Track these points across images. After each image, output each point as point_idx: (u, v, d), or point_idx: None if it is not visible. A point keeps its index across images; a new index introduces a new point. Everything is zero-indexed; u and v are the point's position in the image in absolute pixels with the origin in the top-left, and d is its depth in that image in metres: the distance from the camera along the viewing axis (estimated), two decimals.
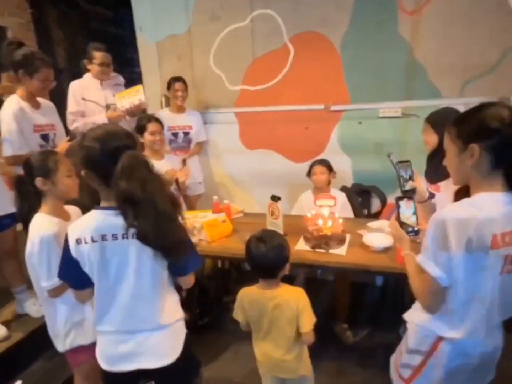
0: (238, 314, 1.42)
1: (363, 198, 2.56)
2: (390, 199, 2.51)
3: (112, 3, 4.26)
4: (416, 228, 1.25)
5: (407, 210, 1.26)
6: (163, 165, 2.19)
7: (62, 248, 1.07)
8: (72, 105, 2.42)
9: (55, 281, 1.23)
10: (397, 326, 1.80)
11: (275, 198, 1.90)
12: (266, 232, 1.42)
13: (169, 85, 2.67)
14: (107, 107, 2.46)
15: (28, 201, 1.34)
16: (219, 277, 2.69)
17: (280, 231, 1.93)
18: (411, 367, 1.08)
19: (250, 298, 1.38)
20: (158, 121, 2.27)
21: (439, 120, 1.77)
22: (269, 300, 1.33)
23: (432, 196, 1.51)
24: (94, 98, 2.45)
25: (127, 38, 4.24)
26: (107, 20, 4.42)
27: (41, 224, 1.29)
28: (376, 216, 2.52)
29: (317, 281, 2.65)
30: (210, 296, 2.57)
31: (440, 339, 1.01)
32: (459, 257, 0.89)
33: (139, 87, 2.37)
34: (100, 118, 2.37)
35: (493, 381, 1.08)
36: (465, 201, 0.94)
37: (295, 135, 2.78)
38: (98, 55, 2.39)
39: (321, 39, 2.53)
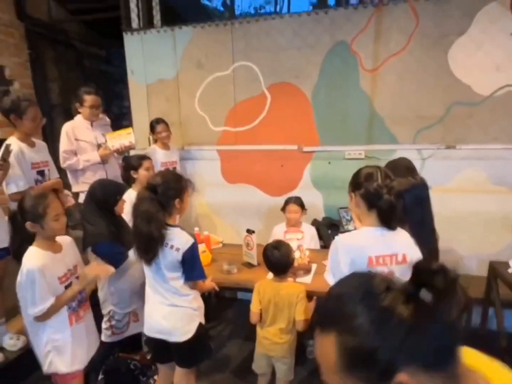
0: (255, 304, 1.82)
1: (332, 230, 2.81)
2: None
3: (104, 43, 4.60)
4: None
5: None
6: None
7: (47, 279, 1.28)
8: (65, 145, 2.58)
9: (40, 308, 1.38)
10: None
11: (250, 231, 2.13)
12: (277, 242, 1.91)
13: (152, 127, 2.88)
14: (99, 146, 2.68)
15: (21, 235, 1.48)
16: None
17: (254, 261, 2.15)
18: None
19: (265, 287, 1.82)
20: (150, 158, 2.50)
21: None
22: (278, 289, 1.78)
23: None
24: (86, 138, 2.65)
25: (117, 74, 4.55)
26: (100, 58, 4.72)
27: (30, 257, 1.43)
28: None
29: None
30: None
31: None
32: (347, 273, 1.19)
33: (129, 130, 2.63)
34: (93, 155, 2.60)
35: None
36: (354, 232, 1.34)
37: (272, 172, 3.06)
38: (89, 98, 2.60)
39: (295, 89, 2.88)
